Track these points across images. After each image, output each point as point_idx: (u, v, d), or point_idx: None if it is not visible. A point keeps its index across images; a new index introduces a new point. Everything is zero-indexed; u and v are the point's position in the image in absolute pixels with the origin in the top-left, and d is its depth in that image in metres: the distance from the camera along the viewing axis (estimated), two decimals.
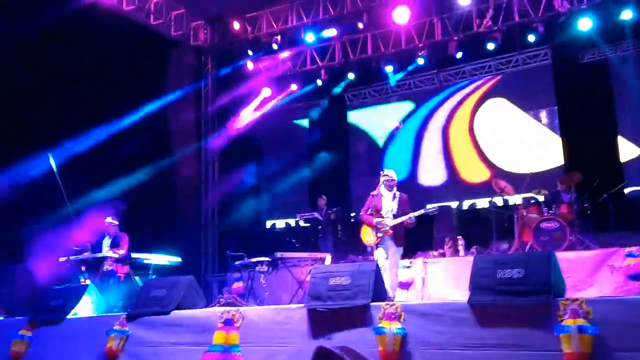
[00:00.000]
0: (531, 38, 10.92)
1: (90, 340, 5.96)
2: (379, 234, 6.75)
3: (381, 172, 7.09)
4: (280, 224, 13.97)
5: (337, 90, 13.57)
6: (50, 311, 6.47)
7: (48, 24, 8.97)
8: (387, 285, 6.53)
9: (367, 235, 6.90)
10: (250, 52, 12.44)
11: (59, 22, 9.09)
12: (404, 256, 7.15)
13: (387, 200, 6.89)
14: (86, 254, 8.16)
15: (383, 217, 6.78)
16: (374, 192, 6.97)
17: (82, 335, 6.08)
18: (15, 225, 8.89)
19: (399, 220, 6.71)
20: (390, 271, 6.72)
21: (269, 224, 14.18)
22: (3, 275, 8.64)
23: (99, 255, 8.17)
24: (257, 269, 7.96)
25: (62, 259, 8.17)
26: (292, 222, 13.32)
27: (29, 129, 9.24)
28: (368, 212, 6.92)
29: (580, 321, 4.00)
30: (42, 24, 8.92)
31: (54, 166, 8.05)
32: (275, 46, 12.14)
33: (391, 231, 6.72)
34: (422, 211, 6.75)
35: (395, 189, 6.98)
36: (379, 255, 6.79)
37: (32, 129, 9.25)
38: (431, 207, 6.78)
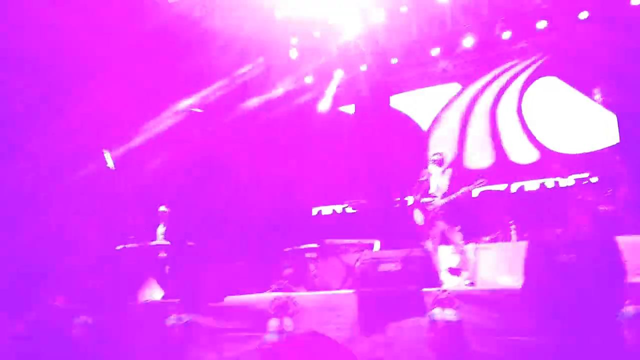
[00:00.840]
0: (582, 15, 10.52)
1: (150, 325, 6.16)
2: (428, 219, 6.70)
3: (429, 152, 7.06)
4: (326, 210, 14.02)
5: (381, 74, 13.44)
6: (110, 297, 6.69)
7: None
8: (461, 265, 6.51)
9: (418, 220, 6.86)
10: (293, 40, 12.43)
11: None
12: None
13: (436, 178, 6.81)
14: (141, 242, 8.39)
15: (433, 197, 6.72)
16: (421, 178, 6.92)
17: (142, 321, 6.29)
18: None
19: (447, 198, 6.62)
20: (456, 253, 6.66)
21: (315, 210, 14.25)
22: (64, 264, 8.98)
23: (154, 243, 8.41)
24: (306, 255, 8.03)
25: (118, 247, 8.44)
26: (338, 208, 13.35)
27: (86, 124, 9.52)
28: (417, 196, 6.87)
29: None
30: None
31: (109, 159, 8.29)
32: (316, 33, 12.08)
33: (441, 211, 6.63)
34: (471, 186, 6.64)
35: (445, 165, 6.91)
36: (428, 243, 6.75)
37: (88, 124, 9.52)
38: (479, 181, 6.66)
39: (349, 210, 11.32)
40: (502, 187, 12.04)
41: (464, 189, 6.62)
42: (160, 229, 8.71)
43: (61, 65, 9.26)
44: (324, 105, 14.01)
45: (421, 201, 6.78)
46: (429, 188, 6.81)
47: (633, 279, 4.83)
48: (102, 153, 8.30)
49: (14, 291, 7.61)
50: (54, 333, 6.80)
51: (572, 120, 11.90)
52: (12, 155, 8.65)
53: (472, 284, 6.63)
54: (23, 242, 8.64)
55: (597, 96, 11.70)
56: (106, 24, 9.37)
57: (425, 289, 4.97)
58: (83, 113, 9.09)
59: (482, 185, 6.69)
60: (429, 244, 6.71)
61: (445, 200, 6.63)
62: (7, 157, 8.57)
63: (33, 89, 9.06)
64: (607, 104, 11.51)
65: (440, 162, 6.87)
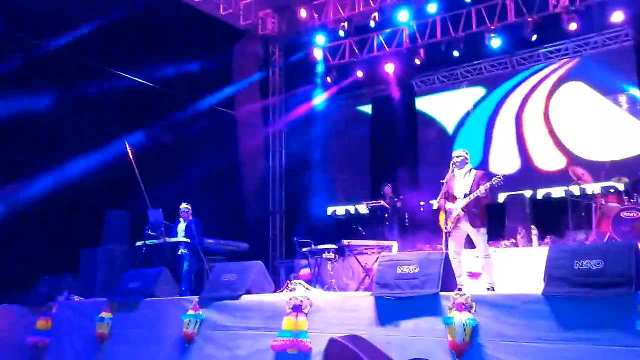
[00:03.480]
0: (617, 17, 10.28)
1: (167, 322, 6.19)
2: (451, 221, 6.60)
3: (453, 154, 6.93)
4: (340, 210, 13.98)
5: (404, 77, 13.36)
6: (128, 293, 6.76)
7: (119, 10, 9.34)
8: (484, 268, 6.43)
9: (442, 222, 6.76)
10: (317, 41, 12.45)
11: (131, 10, 9.44)
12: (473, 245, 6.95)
13: (460, 180, 6.68)
14: (161, 239, 8.47)
15: (456, 198, 6.61)
16: (444, 180, 6.82)
17: (159, 317, 6.32)
18: (95, 210, 9.35)
19: (468, 199, 6.50)
20: (480, 255, 6.58)
21: (329, 210, 14.20)
22: (83, 259, 9.11)
23: (174, 240, 8.47)
24: (324, 256, 8.00)
25: (138, 244, 8.52)
26: (352, 209, 13.32)
27: (105, 117, 9.66)
28: (441, 199, 6.76)
29: None
30: (114, 11, 9.31)
31: (130, 152, 8.36)
32: (342, 33, 12.10)
33: (463, 212, 6.51)
34: (488, 184, 6.50)
35: (468, 166, 6.77)
36: (451, 245, 6.65)
37: (108, 117, 9.67)
38: (496, 178, 6.51)
39: (363, 210, 11.21)
40: (528, 192, 11.87)
41: (482, 187, 6.50)
42: (181, 226, 8.77)
43: None
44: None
45: (445, 204, 6.67)
46: (452, 190, 6.71)
47: None
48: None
49: None
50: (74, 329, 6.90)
51: (599, 127, 11.68)
52: None
53: (492, 289, 6.52)
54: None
55: (624, 103, 11.46)
56: None
57: (443, 293, 4.89)
58: None
59: (500, 183, 6.53)
60: (450, 247, 6.62)
61: (467, 200, 6.52)
62: None
63: None
64: (634, 112, 11.27)
65: (463, 164, 6.75)
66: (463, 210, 6.52)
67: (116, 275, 7.91)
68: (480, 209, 6.58)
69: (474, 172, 6.73)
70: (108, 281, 8.35)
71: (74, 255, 9.05)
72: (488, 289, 6.49)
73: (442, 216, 6.83)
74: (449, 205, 6.64)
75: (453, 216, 6.58)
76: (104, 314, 6.68)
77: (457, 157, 6.78)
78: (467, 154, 6.84)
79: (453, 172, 6.79)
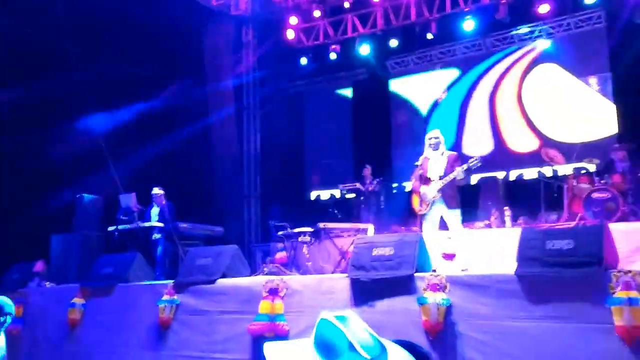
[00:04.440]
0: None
1: (141, 308, 6.14)
2: (426, 203, 6.65)
3: (426, 136, 6.95)
4: (325, 195, 13.97)
5: (379, 58, 13.32)
6: (101, 279, 6.68)
7: None
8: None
9: (416, 205, 6.80)
10: (292, 21, 12.31)
11: None
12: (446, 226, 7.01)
13: (434, 162, 6.73)
14: (134, 224, 8.37)
15: (430, 180, 6.65)
16: (418, 162, 6.85)
17: (133, 303, 6.27)
18: (65, 195, 9.18)
19: (444, 180, 6.55)
20: (455, 237, 6.63)
21: (313, 195, 14.21)
22: (54, 245, 8.96)
23: (147, 224, 8.37)
24: (299, 239, 7.99)
25: (110, 228, 8.40)
26: (336, 193, 13.34)
27: (70, 98, 9.43)
28: (414, 181, 6.80)
29: (633, 293, 3.88)
30: None
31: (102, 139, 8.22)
32: (316, 13, 11.98)
33: (438, 194, 6.57)
34: (465, 166, 6.56)
35: (442, 147, 6.82)
36: (426, 227, 6.70)
37: (70, 98, 9.44)
38: (473, 160, 6.58)
39: (348, 195, 11.24)
40: (500, 174, 12.00)
41: (458, 169, 6.56)
42: (154, 210, 8.67)
43: None
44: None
45: (420, 187, 6.70)
46: (426, 172, 6.75)
47: (627, 265, 4.80)
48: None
49: None
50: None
51: (571, 108, 11.83)
52: None
53: (465, 269, 6.60)
54: None
55: (596, 85, 11.62)
56: None
57: (418, 274, 4.93)
58: None
59: (477, 165, 6.61)
60: (425, 228, 6.68)
61: (442, 182, 6.57)
62: None
63: None
64: (605, 93, 11.43)
65: (436, 146, 6.80)
66: (438, 191, 6.58)
67: (88, 260, 7.79)
68: (454, 191, 6.65)
69: (446, 153, 6.79)
70: (80, 267, 8.22)
71: (45, 241, 8.89)
72: (462, 270, 6.58)
73: (415, 199, 6.88)
74: (423, 188, 6.67)
75: (428, 198, 6.63)
76: (75, 300, 6.61)
77: (430, 138, 6.83)
78: (438, 133, 6.89)
79: (426, 154, 6.83)
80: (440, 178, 6.60)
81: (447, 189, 6.62)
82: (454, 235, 6.76)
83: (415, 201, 6.87)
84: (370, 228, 8.38)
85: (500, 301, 4.48)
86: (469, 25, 11.29)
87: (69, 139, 9.16)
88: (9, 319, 4.78)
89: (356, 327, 1.33)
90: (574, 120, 11.68)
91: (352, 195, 10.95)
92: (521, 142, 12.33)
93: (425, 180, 6.73)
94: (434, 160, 6.77)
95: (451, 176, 6.54)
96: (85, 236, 8.82)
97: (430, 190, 6.62)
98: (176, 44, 10.59)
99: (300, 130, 14.41)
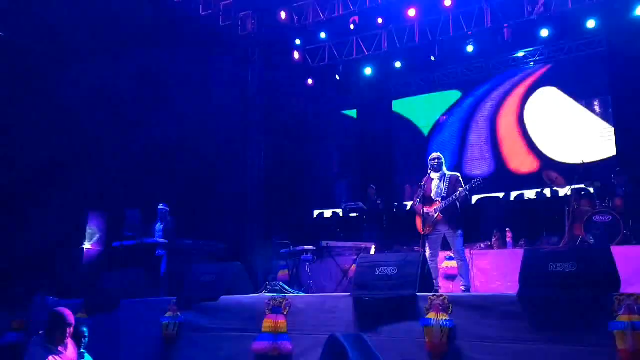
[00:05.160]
0: (590, 24, 10.54)
1: (145, 324, 6.15)
2: (429, 224, 6.71)
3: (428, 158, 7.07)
4: (327, 213, 14.03)
5: (383, 79, 13.46)
6: (105, 294, 6.70)
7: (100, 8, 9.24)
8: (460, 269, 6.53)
9: (419, 225, 6.86)
10: (297, 42, 12.47)
11: (111, 8, 9.36)
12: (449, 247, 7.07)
13: (436, 183, 6.83)
14: (138, 240, 8.40)
15: (433, 201, 6.73)
16: (422, 183, 6.93)
17: (136, 318, 6.29)
18: (72, 210, 9.23)
19: (446, 201, 6.64)
20: (456, 257, 6.70)
21: (316, 213, 14.25)
22: (60, 259, 8.99)
23: (151, 240, 8.41)
24: (302, 257, 8.03)
25: (115, 244, 8.44)
26: (339, 211, 13.39)
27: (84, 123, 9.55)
28: (417, 201, 6.87)
29: (636, 317, 3.90)
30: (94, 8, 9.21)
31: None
32: (322, 35, 12.15)
33: (441, 215, 6.65)
34: (467, 187, 6.65)
35: (444, 169, 6.92)
36: (429, 247, 6.75)
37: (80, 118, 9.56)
38: (475, 181, 6.68)
39: (352, 214, 11.29)
40: (500, 194, 12.08)
41: (460, 190, 6.65)
42: (158, 227, 8.73)
43: None
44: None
45: (422, 206, 6.77)
46: (430, 192, 6.83)
47: (627, 288, 4.85)
48: None
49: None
50: None
51: (571, 130, 11.94)
52: None
53: (467, 290, 6.64)
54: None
55: (597, 108, 11.73)
56: None
57: (420, 294, 4.96)
58: None
59: (479, 186, 6.70)
60: (427, 250, 6.73)
61: (445, 203, 6.65)
62: None
63: None
64: (605, 116, 11.54)
65: (439, 167, 6.90)
66: (441, 212, 6.65)
67: (93, 275, 7.82)
68: (456, 211, 6.72)
69: (448, 174, 6.88)
70: (85, 282, 8.24)
71: (50, 256, 8.92)
72: (463, 290, 6.61)
73: (418, 219, 6.94)
74: (426, 209, 6.74)
75: (431, 219, 6.69)
76: (79, 315, 6.61)
77: (432, 159, 6.95)
78: (440, 155, 7.00)
79: (429, 174, 6.93)
80: (443, 199, 6.68)
81: (449, 209, 6.69)
82: (456, 256, 6.80)
83: (419, 221, 6.92)
84: (372, 248, 8.43)
85: (503, 323, 4.50)
86: (471, 48, 11.43)
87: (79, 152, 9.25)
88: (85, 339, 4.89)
89: (362, 349, 1.38)
90: (574, 142, 11.78)
91: (354, 214, 11.01)
92: (522, 163, 12.43)
93: (428, 200, 6.80)
94: (436, 181, 6.85)
95: (454, 197, 6.62)
96: (90, 251, 8.85)
97: (433, 211, 6.70)
98: (183, 64, 10.72)
99: (304, 148, 14.49)
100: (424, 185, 6.86)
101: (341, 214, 11.92)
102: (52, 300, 7.64)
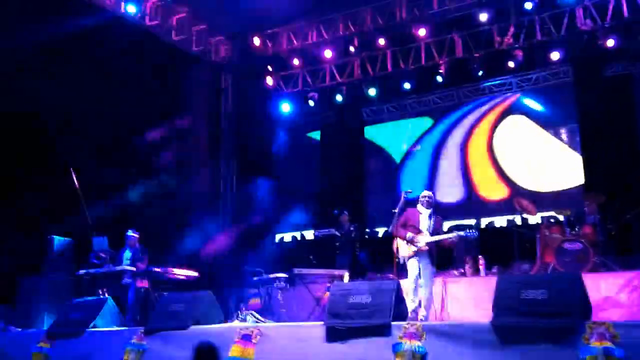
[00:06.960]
0: (555, 56, 10.85)
1: (108, 354, 5.96)
2: (413, 249, 6.84)
3: (422, 194, 7.31)
4: (287, 237, 13.91)
5: (354, 105, 13.55)
6: (69, 324, 6.49)
7: (71, 35, 9.13)
8: (423, 300, 6.58)
9: (402, 249, 6.98)
10: (269, 68, 12.51)
11: (82, 34, 9.26)
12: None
13: (425, 218, 7.08)
14: (105, 267, 8.19)
15: (422, 232, 6.89)
16: (395, 210, 7.10)
17: (100, 348, 6.09)
18: (34, 235, 8.98)
19: (438, 237, 6.85)
20: (425, 288, 6.78)
21: (277, 237, 14.09)
22: (22, 288, 8.69)
23: (119, 268, 8.19)
24: (274, 285, 7.92)
25: (81, 272, 8.21)
26: (297, 235, 13.32)
27: (50, 143, 9.37)
28: (399, 229, 7.02)
29: (607, 344, 3.92)
30: (65, 35, 9.09)
31: (74, 178, 8.13)
32: (295, 62, 12.23)
33: (427, 248, 6.80)
34: (462, 233, 6.92)
35: (433, 207, 7.14)
36: (412, 266, 6.84)
37: (53, 143, 9.39)
38: (470, 230, 6.96)
39: (310, 237, 11.21)
40: (472, 221, 12.16)
41: (455, 233, 6.93)
42: (127, 254, 8.51)
43: None
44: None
45: (407, 234, 6.93)
46: (417, 225, 6.97)
47: (597, 315, 4.88)
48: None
49: None
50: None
51: (540, 158, 12.14)
52: None
53: (426, 318, 6.71)
54: None
55: (564, 137, 11.99)
56: None
57: (395, 322, 4.92)
58: None
59: (474, 235, 6.99)
60: (410, 269, 6.85)
61: (435, 238, 6.88)
62: None
63: None
64: (573, 144, 11.78)
65: (429, 205, 7.13)
66: (428, 244, 6.80)
67: (57, 304, 7.57)
68: (437, 251, 6.95)
69: (438, 217, 7.22)
70: (48, 311, 7.97)
71: (11, 284, 8.62)
72: (422, 320, 6.67)
73: (398, 244, 7.00)
74: (409, 235, 6.86)
75: (419, 246, 6.82)
76: (41, 344, 6.39)
77: (424, 197, 7.24)
78: (433, 195, 7.34)
79: (417, 207, 7.17)
80: (431, 234, 6.86)
81: (434, 246, 6.94)
82: (426, 286, 6.87)
83: (400, 246, 7.03)
84: (346, 275, 8.37)
85: (476, 351, 4.49)
86: (440, 77, 11.63)
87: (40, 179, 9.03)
88: None
89: None
90: (543, 170, 11.97)
91: (320, 240, 10.89)
92: (492, 190, 12.56)
93: (417, 231, 6.97)
94: (425, 216, 7.09)
95: (446, 236, 6.90)
96: (55, 279, 8.58)
97: (422, 241, 6.86)
98: (155, 89, 10.64)
99: (274, 173, 14.39)
100: (411, 216, 7.03)
101: (299, 238, 11.78)
102: (14, 329, 7.38)
